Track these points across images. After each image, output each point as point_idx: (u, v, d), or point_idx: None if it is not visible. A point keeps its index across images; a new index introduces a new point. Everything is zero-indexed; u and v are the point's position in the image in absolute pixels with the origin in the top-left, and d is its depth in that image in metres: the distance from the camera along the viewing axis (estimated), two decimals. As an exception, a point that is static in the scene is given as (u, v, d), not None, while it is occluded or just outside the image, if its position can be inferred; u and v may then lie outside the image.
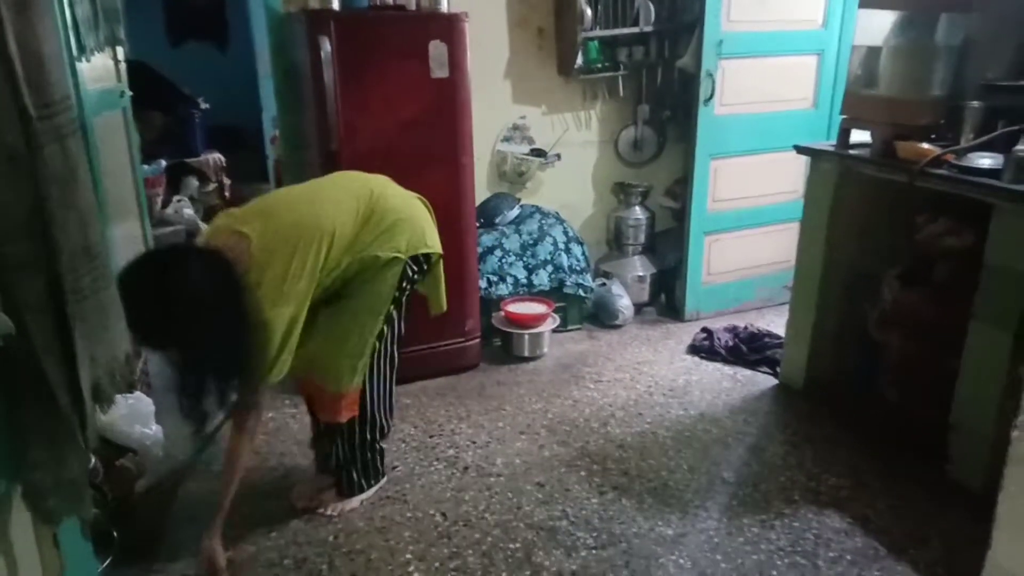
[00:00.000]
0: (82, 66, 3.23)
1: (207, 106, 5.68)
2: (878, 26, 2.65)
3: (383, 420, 2.31)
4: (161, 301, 1.66)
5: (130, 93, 4.00)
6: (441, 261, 2.30)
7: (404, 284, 2.16)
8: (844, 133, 2.76)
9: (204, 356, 1.81)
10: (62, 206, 0.88)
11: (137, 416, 2.36)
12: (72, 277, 0.88)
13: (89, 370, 0.93)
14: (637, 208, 3.84)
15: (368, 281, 2.10)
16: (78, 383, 0.91)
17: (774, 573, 2.07)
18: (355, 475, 2.34)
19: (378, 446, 2.37)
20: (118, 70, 3.87)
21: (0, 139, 0.80)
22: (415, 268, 2.18)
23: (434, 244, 2.23)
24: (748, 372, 3.25)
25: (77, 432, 0.92)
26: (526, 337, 3.37)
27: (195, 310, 1.71)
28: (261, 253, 1.88)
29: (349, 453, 2.31)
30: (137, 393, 2.52)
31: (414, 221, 2.17)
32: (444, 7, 2.97)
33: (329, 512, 2.32)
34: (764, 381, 3.17)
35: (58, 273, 0.85)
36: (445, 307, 2.41)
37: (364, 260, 2.07)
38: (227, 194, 5.74)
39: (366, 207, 2.09)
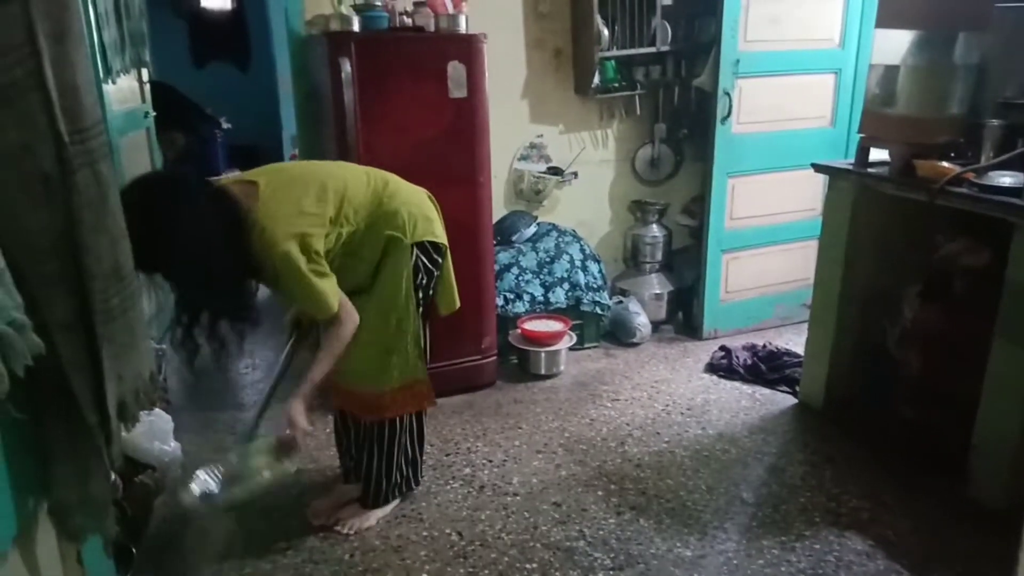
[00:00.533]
0: (108, 88, 3.31)
1: (229, 126, 5.77)
2: (895, 45, 2.65)
3: (415, 425, 2.36)
4: (158, 220, 1.62)
5: (153, 113, 4.08)
6: (449, 256, 2.31)
7: (421, 278, 2.17)
8: (862, 152, 2.75)
9: (196, 285, 1.78)
10: (94, 229, 0.90)
11: (156, 433, 2.38)
12: (102, 298, 0.90)
13: (116, 388, 0.95)
14: (654, 226, 3.84)
15: (382, 271, 2.13)
16: (105, 401, 0.93)
17: (794, 596, 2.05)
18: (384, 485, 2.35)
19: (412, 454, 2.39)
20: (143, 91, 3.96)
21: (36, 163, 0.82)
22: (426, 259, 2.19)
23: (441, 236, 2.24)
24: (767, 391, 3.23)
25: (103, 450, 0.94)
26: (543, 355, 3.37)
27: (192, 235, 1.68)
28: (270, 198, 1.89)
29: (385, 464, 2.33)
30: (156, 410, 2.55)
31: (421, 208, 2.21)
32: (463, 28, 3.01)
33: (345, 530, 2.32)
34: (783, 400, 3.15)
35: (88, 294, 0.87)
36: (458, 304, 2.40)
37: (372, 234, 2.08)
38: (247, 212, 5.80)
39: (376, 183, 2.14)
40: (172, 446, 2.42)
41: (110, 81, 3.30)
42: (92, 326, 0.88)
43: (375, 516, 2.37)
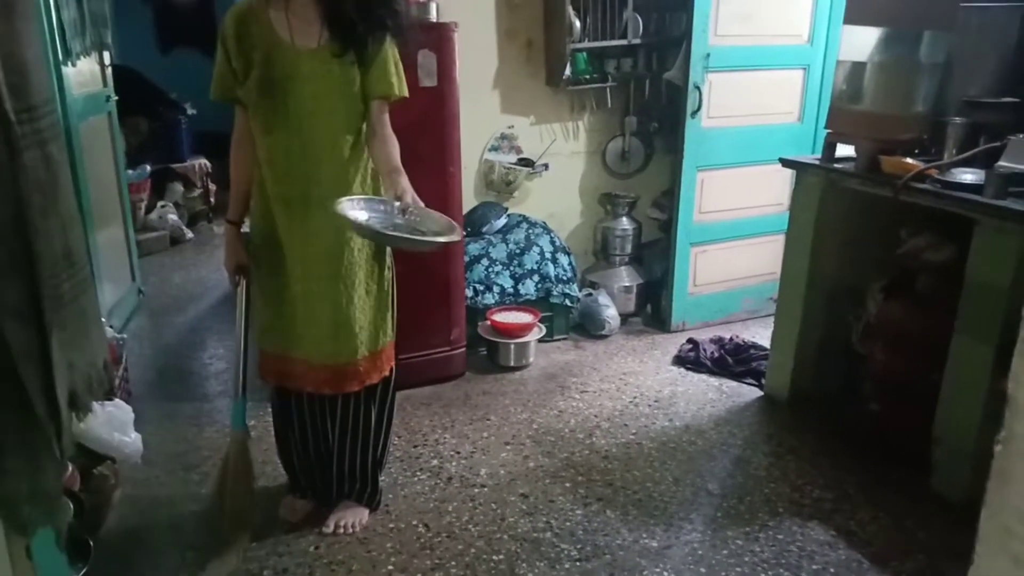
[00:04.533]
0: (68, 70, 3.22)
1: (194, 112, 5.66)
2: (863, 42, 2.68)
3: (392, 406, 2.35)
4: None
5: (116, 98, 3.98)
6: None
7: None
8: (829, 147, 2.78)
9: None
10: (43, 212, 0.86)
11: (116, 424, 2.33)
12: (52, 283, 0.87)
13: (66, 377, 0.92)
14: (624, 219, 3.84)
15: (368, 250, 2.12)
16: (54, 390, 0.90)
17: (758, 586, 2.07)
18: (379, 476, 2.33)
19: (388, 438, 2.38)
20: (104, 75, 3.86)
21: (-21, 143, 0.78)
22: None
23: None
24: (733, 383, 3.25)
25: (53, 441, 0.90)
26: (512, 347, 3.36)
27: None
28: None
29: (380, 454, 2.30)
30: (116, 400, 2.49)
31: None
32: (433, 17, 2.97)
33: (354, 530, 2.27)
34: (749, 392, 3.18)
35: (38, 279, 0.84)
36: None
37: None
38: (212, 200, 5.72)
39: None
40: (132, 437, 2.37)
41: (69, 63, 3.21)
42: (41, 312, 0.85)
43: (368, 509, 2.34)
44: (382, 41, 2.01)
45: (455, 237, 2.01)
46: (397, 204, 1.94)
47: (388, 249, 2.16)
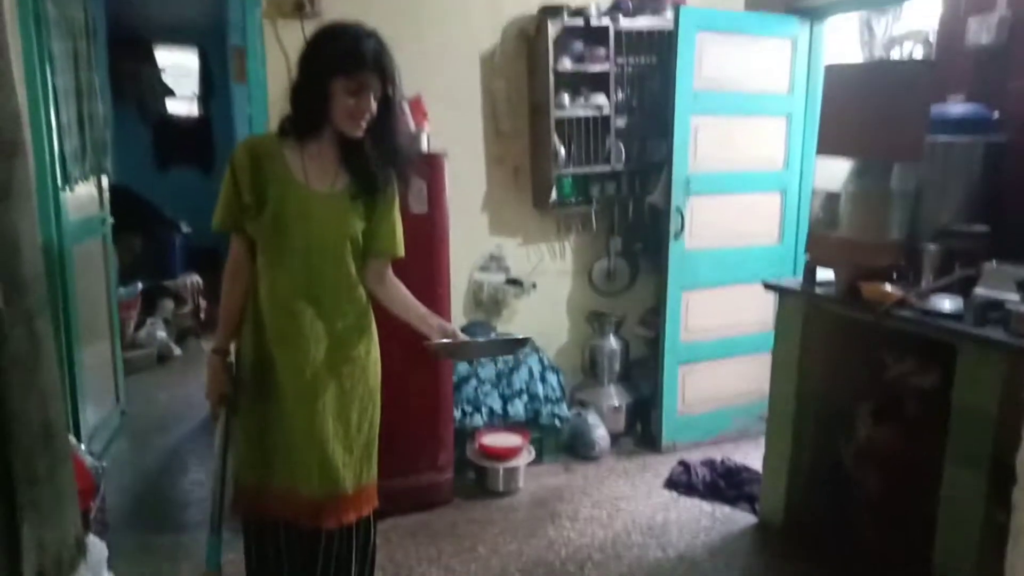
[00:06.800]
0: (66, 196, 3.30)
1: (188, 230, 5.76)
2: (837, 170, 2.78)
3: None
4: None
5: (111, 220, 4.05)
6: None
7: None
8: (810, 272, 2.82)
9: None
10: (22, 388, 0.86)
11: (89, 564, 2.23)
12: (26, 465, 0.86)
13: (35, 558, 0.89)
14: (612, 337, 3.86)
15: (363, 371, 2.09)
16: (21, 570, 0.87)
17: None
18: None
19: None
20: (101, 198, 3.95)
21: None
22: None
23: None
24: (727, 509, 3.17)
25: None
26: (501, 471, 3.29)
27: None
28: None
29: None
30: (91, 537, 2.40)
31: None
32: (424, 147, 3.08)
33: None
34: (743, 519, 3.10)
35: (9, 461, 0.82)
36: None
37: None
38: (203, 316, 5.73)
39: None
40: (105, 578, 2.27)
41: (68, 189, 3.29)
42: (12, 493, 0.83)
43: None
44: (391, 183, 2.05)
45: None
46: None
47: (379, 389, 2.14)
